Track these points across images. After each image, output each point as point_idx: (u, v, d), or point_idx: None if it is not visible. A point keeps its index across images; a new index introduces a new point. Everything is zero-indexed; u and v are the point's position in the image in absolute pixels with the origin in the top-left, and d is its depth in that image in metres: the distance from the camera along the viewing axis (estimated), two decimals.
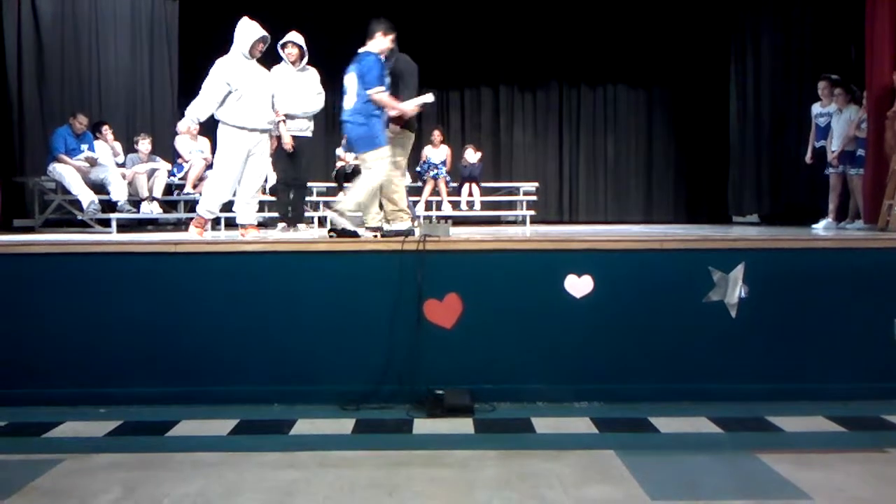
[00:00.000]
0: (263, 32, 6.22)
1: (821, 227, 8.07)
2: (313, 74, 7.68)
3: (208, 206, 6.27)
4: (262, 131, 6.32)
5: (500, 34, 12.57)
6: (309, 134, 7.66)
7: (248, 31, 6.17)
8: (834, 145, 8.08)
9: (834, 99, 8.10)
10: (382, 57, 5.66)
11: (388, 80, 5.74)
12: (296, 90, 7.45)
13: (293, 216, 7.74)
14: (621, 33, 12.62)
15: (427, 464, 3.77)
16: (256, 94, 6.20)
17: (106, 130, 9.12)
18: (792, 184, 10.25)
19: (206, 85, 6.09)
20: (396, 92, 5.83)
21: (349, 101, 5.72)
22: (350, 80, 5.71)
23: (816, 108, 8.49)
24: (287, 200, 7.82)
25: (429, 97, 6.06)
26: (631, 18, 12.38)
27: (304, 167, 7.85)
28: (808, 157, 8.54)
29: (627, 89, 13.15)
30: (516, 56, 12.88)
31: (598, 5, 12.11)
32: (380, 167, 5.62)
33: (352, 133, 5.79)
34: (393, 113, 5.79)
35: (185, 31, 11.11)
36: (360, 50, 5.76)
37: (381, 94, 5.58)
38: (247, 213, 6.42)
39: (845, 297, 4.98)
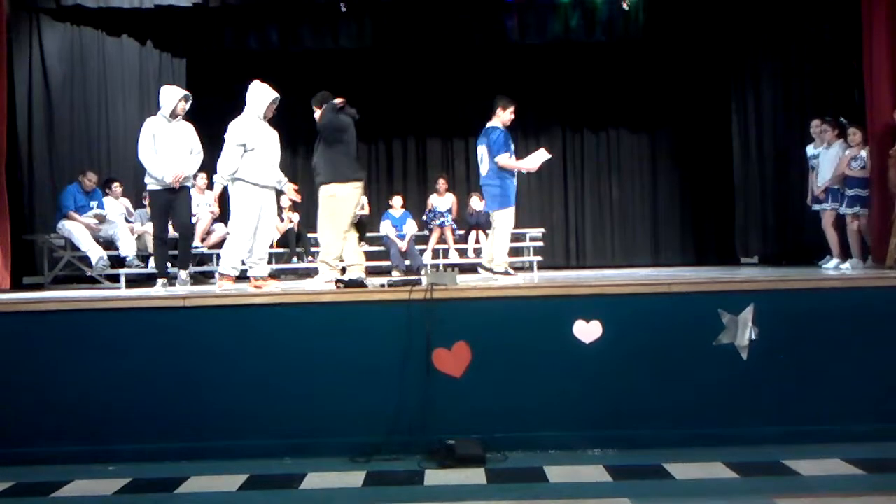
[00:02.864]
0: (276, 94, 6.55)
1: (831, 267, 7.89)
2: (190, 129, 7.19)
3: (232, 263, 6.47)
4: (272, 188, 6.61)
5: (502, 82, 12.69)
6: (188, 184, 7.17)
7: (262, 94, 6.49)
8: (819, 181, 7.96)
9: (820, 135, 8.01)
10: (503, 127, 6.72)
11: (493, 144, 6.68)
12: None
13: (181, 267, 7.18)
14: (622, 78, 12.74)
15: None
16: (268, 152, 6.51)
17: (116, 187, 9.21)
18: (798, 223, 10.25)
19: (228, 145, 6.36)
20: (341, 141, 6.41)
21: (484, 168, 6.78)
22: (482, 150, 6.77)
23: (811, 150, 8.37)
24: (166, 256, 7.17)
25: (543, 153, 6.96)
26: (631, 63, 12.52)
27: (183, 216, 7.25)
28: (809, 200, 8.38)
29: (630, 133, 13.23)
30: (519, 103, 12.96)
31: (597, 52, 12.26)
32: (507, 222, 6.75)
33: (488, 193, 6.85)
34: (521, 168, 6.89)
35: (193, 87, 11.29)
36: (488, 125, 6.80)
37: (505, 159, 6.60)
38: (262, 267, 6.65)
39: (857, 336, 4.94)
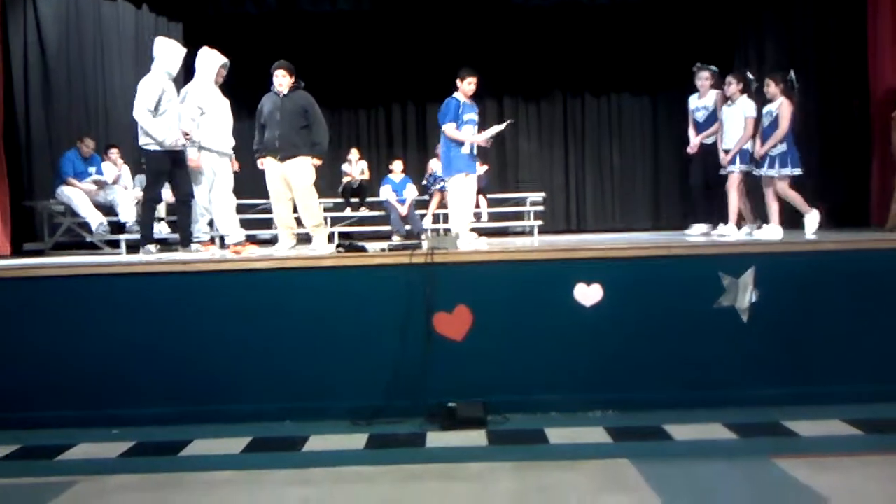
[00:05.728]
0: (225, 59, 6.67)
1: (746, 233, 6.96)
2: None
3: (202, 229, 6.88)
4: (226, 154, 6.72)
5: (503, 45, 12.61)
6: (185, 148, 6.87)
7: (212, 60, 6.61)
8: (726, 142, 6.99)
9: (725, 88, 7.01)
10: (464, 98, 6.76)
11: (464, 117, 6.75)
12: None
13: (184, 236, 6.97)
14: (624, 41, 12.62)
15: (441, 477, 3.75)
16: (222, 119, 6.61)
17: (114, 153, 9.17)
18: (798, 186, 10.20)
19: (185, 111, 6.56)
20: (308, 127, 6.55)
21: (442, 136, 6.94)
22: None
23: (694, 102, 7.42)
24: (153, 219, 7.19)
25: (502, 126, 7.01)
26: (633, 26, 12.39)
27: (184, 183, 7.01)
28: (691, 148, 7.38)
29: (631, 97, 13.13)
30: (519, 67, 12.90)
31: (599, 14, 12.13)
32: (454, 189, 6.78)
33: (442, 160, 7.12)
34: (479, 141, 6.82)
35: (189, 51, 11.20)
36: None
37: (450, 129, 6.69)
38: (235, 232, 6.74)
39: (856, 298, 4.95)
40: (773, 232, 6.45)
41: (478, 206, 11.01)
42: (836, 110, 9.45)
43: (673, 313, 4.92)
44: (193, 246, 6.82)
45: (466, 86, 6.79)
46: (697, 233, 7.33)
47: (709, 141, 7.22)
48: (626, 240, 7.01)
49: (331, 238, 9.95)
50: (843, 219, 8.34)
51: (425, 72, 12.26)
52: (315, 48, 12.07)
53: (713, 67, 7.36)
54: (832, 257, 5.09)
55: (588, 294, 4.92)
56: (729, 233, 6.86)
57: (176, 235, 7.19)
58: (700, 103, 7.36)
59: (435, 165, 10.94)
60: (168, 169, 6.74)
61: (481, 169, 11.25)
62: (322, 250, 6.20)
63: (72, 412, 4.82)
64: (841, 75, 9.24)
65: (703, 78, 7.32)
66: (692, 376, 4.89)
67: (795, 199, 6.68)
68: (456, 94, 6.84)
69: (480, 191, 10.99)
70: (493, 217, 11.09)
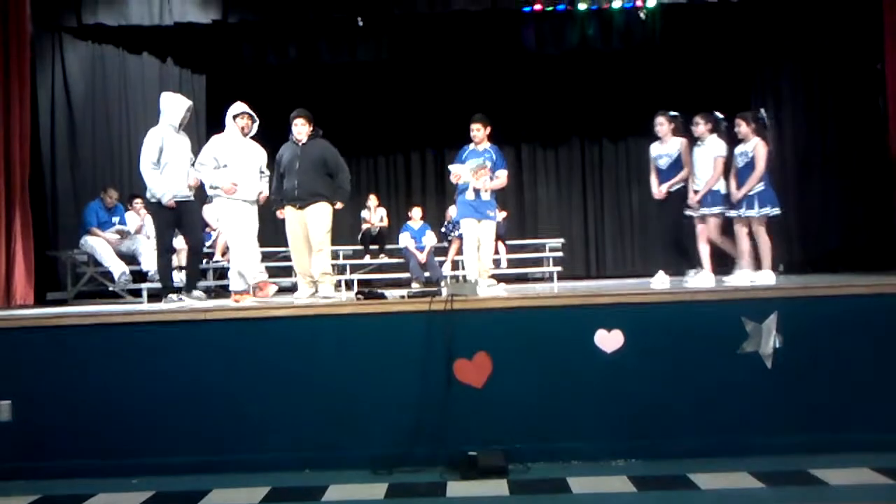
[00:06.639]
0: (240, 108, 6.69)
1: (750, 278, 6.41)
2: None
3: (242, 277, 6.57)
4: (251, 202, 6.65)
5: (521, 93, 12.73)
6: (191, 198, 6.90)
7: (230, 110, 6.67)
8: (697, 185, 6.72)
9: (693, 129, 6.79)
10: (473, 146, 7.01)
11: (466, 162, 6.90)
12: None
13: (189, 282, 6.95)
14: (641, 86, 12.68)
15: None
16: (241, 167, 6.55)
17: (137, 203, 9.29)
18: (819, 232, 10.14)
19: (200, 157, 6.63)
20: (328, 174, 6.63)
21: None
22: None
23: (655, 149, 7.12)
24: (170, 268, 7.04)
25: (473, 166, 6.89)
26: (650, 71, 12.46)
27: (194, 231, 7.11)
28: (657, 195, 7.04)
29: (648, 142, 13.12)
30: (537, 114, 13.01)
31: (615, 60, 12.23)
32: (465, 234, 6.99)
33: None
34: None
35: (213, 103, 11.40)
36: None
37: (452, 170, 6.94)
38: (239, 282, 6.64)
39: (883, 344, 4.87)
40: (766, 276, 6.22)
41: (496, 252, 11.02)
42: (856, 148, 9.44)
43: (695, 359, 4.86)
44: (195, 293, 6.83)
45: (475, 131, 6.97)
46: (666, 281, 6.86)
47: (676, 189, 6.92)
48: (646, 285, 6.96)
49: (350, 285, 9.98)
50: (867, 261, 8.24)
51: (443, 120, 12.40)
52: (335, 97, 12.25)
53: (672, 112, 7.10)
54: (856, 301, 5.03)
55: (609, 340, 4.88)
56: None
57: (202, 283, 7.19)
58: (662, 150, 7.04)
59: (454, 212, 10.98)
60: (174, 220, 6.77)
61: (500, 215, 11.29)
62: (329, 299, 6.19)
63: (91, 461, 4.81)
64: (860, 114, 9.23)
65: (659, 123, 7.03)
66: (717, 423, 4.81)
67: (765, 246, 6.39)
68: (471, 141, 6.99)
69: (499, 237, 11.02)
70: (511, 263, 11.07)
